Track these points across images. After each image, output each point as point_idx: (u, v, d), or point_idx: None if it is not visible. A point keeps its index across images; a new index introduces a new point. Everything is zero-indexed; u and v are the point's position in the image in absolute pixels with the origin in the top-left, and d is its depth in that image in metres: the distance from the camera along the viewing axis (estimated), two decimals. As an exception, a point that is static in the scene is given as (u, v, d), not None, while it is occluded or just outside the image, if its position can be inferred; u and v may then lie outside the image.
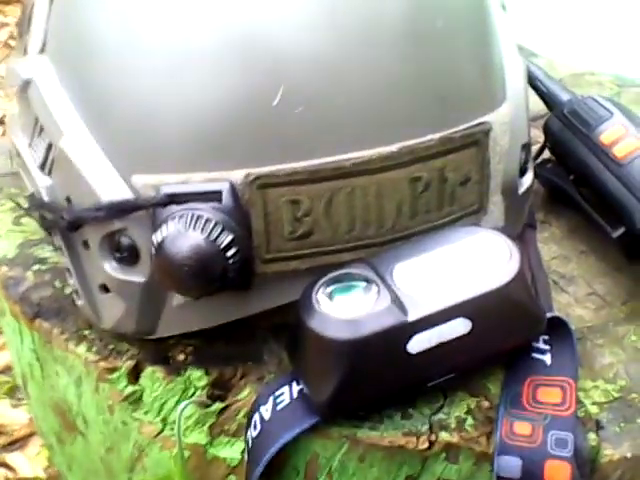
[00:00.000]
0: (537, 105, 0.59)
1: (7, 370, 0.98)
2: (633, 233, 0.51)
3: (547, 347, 0.45)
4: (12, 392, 0.96)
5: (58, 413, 0.51)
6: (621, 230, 0.52)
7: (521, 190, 0.49)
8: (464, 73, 0.45)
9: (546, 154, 0.59)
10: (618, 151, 0.53)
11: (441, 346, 0.40)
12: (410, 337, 0.39)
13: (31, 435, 0.90)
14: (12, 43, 1.74)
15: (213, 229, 0.39)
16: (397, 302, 0.40)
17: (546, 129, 0.58)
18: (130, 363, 0.45)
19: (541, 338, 0.45)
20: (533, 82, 0.59)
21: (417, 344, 0.40)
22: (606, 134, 0.54)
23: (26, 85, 0.44)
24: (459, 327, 0.40)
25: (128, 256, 0.42)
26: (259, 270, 0.42)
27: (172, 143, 0.40)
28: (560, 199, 0.58)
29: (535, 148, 0.56)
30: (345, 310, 0.40)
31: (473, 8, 0.46)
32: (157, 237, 0.39)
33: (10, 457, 0.89)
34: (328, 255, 0.42)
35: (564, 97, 0.58)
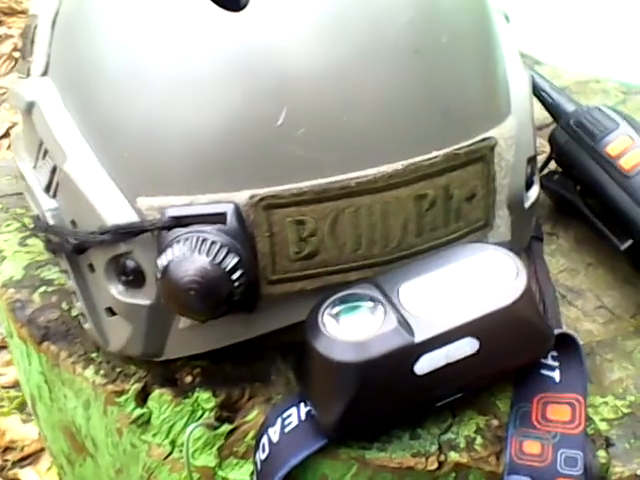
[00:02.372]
0: (541, 114, 0.59)
1: (17, 385, 0.98)
2: (641, 245, 0.51)
3: (556, 363, 0.45)
4: (22, 407, 0.96)
5: (67, 435, 0.51)
6: (629, 242, 0.52)
7: (527, 204, 0.49)
8: (468, 88, 0.44)
9: (552, 165, 0.59)
10: (625, 163, 0.52)
11: (449, 366, 0.40)
12: (417, 358, 0.39)
13: (42, 450, 0.90)
14: (16, 55, 1.75)
15: (218, 252, 0.39)
16: (403, 323, 0.40)
17: (552, 140, 0.58)
18: (138, 386, 0.45)
19: (550, 354, 0.45)
20: (538, 93, 0.59)
21: (424, 365, 0.39)
22: (612, 145, 0.53)
23: (30, 107, 0.44)
24: (466, 347, 0.40)
25: (134, 279, 0.42)
26: (265, 291, 0.42)
27: (176, 165, 0.40)
28: (567, 211, 0.57)
29: (541, 158, 0.56)
30: (351, 332, 0.39)
31: (477, 23, 0.46)
32: (162, 261, 0.39)
33: (22, 473, 0.89)
34: (334, 275, 0.42)
35: (569, 108, 0.58)
